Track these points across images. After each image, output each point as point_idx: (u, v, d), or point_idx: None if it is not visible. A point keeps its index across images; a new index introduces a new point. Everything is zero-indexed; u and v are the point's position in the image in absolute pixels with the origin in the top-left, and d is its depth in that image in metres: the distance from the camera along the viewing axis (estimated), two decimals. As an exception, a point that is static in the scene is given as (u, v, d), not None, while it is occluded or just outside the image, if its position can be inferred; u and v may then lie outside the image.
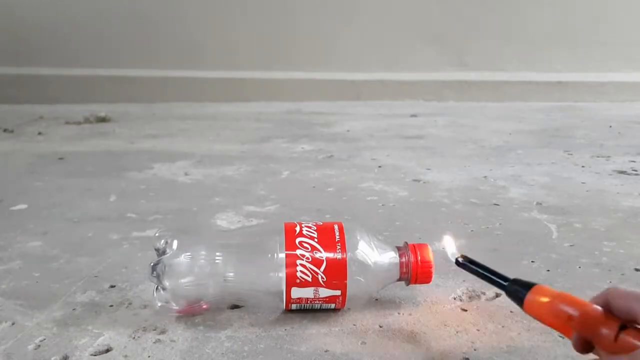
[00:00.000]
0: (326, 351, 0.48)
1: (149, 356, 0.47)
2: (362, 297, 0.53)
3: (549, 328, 0.51)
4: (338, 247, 0.52)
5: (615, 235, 0.75)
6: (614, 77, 2.20)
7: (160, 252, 0.53)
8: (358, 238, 0.53)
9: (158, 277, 0.52)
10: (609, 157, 1.21)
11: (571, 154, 1.25)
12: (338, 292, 0.52)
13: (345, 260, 0.51)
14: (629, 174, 1.07)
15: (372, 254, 0.53)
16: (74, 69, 2.38)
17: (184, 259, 0.52)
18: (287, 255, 0.51)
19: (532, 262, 0.67)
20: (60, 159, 1.29)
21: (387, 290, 0.58)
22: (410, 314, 0.54)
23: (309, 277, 0.51)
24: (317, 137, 1.52)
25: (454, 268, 0.64)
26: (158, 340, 0.50)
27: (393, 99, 2.26)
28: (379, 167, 1.16)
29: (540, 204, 0.89)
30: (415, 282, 0.54)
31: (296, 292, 0.51)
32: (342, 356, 0.47)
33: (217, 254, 0.53)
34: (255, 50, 2.36)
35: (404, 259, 0.54)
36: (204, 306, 0.54)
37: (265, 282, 0.52)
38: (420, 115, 1.90)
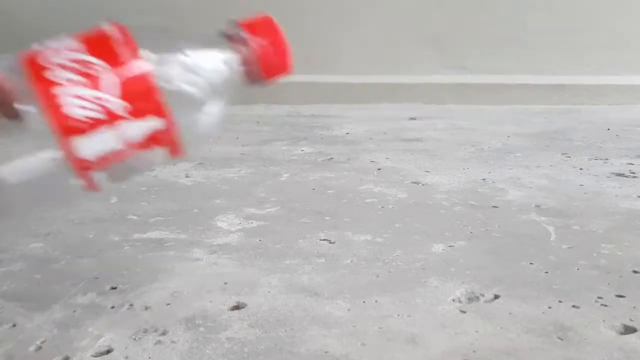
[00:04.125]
0: (326, 352, 0.48)
1: (149, 357, 0.48)
2: (201, 123, 0.33)
3: (547, 330, 0.51)
4: (124, 51, 0.31)
5: (614, 238, 0.75)
6: (612, 80, 2.20)
7: None
8: (160, 37, 0.34)
9: None
10: (607, 159, 1.22)
11: (569, 157, 1.25)
12: (159, 123, 0.31)
13: (147, 67, 0.31)
14: (627, 177, 1.08)
15: (193, 58, 0.33)
16: (74, 71, 2.38)
17: None
18: (39, 89, 0.29)
19: (531, 263, 0.67)
20: (61, 161, 1.29)
21: (387, 292, 0.58)
22: (409, 316, 0.54)
23: (95, 109, 0.29)
24: (317, 139, 1.53)
25: (453, 269, 0.65)
26: (159, 342, 0.50)
27: (392, 102, 2.26)
28: (378, 169, 1.17)
29: (539, 206, 0.89)
30: (271, 76, 0.37)
31: (89, 145, 0.29)
32: (342, 357, 0.47)
33: None
34: (255, 53, 2.37)
35: (245, 52, 0.35)
36: None
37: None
38: (419, 118, 1.90)
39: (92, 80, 0.29)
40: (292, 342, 0.50)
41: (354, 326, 0.53)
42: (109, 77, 0.29)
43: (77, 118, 0.29)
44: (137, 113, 0.30)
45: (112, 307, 0.57)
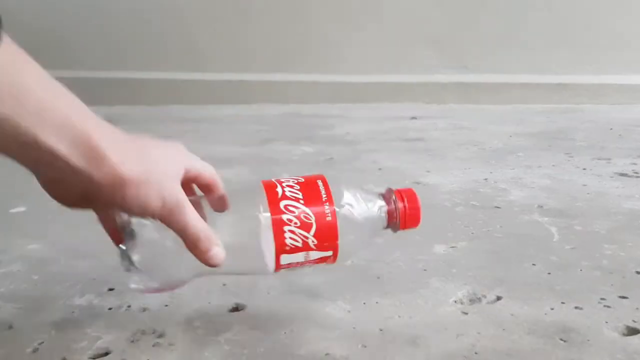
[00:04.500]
0: (327, 354, 0.48)
1: (147, 359, 0.47)
2: (353, 252, 0.53)
3: (550, 331, 0.51)
4: (326, 206, 0.49)
5: (616, 238, 0.74)
6: (614, 80, 2.19)
7: (128, 231, 0.49)
8: (343, 191, 0.51)
9: (129, 259, 0.48)
10: (609, 159, 1.21)
11: (572, 157, 1.25)
12: (329, 253, 0.50)
13: (336, 221, 0.49)
14: (630, 177, 1.07)
15: (360, 207, 0.51)
16: (74, 71, 2.38)
17: (157, 232, 0.47)
18: (273, 222, 0.48)
19: (533, 264, 0.66)
20: (60, 161, 1.28)
21: (387, 294, 0.58)
22: (410, 317, 0.54)
23: (299, 242, 0.49)
24: (318, 139, 1.52)
25: (454, 270, 0.64)
26: (157, 344, 0.50)
27: (393, 102, 2.25)
28: (379, 169, 1.16)
29: (541, 206, 0.89)
30: (405, 228, 0.53)
31: (286, 259, 0.49)
32: (342, 359, 0.47)
33: None
34: (256, 53, 2.37)
35: (391, 206, 0.52)
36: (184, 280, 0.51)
37: (252, 251, 0.49)
38: (421, 118, 1.90)
39: (303, 226, 0.48)
40: (292, 343, 0.49)
41: (354, 328, 0.52)
42: (313, 225, 0.49)
43: (287, 244, 0.48)
44: (322, 247, 0.49)
45: (110, 309, 0.56)
